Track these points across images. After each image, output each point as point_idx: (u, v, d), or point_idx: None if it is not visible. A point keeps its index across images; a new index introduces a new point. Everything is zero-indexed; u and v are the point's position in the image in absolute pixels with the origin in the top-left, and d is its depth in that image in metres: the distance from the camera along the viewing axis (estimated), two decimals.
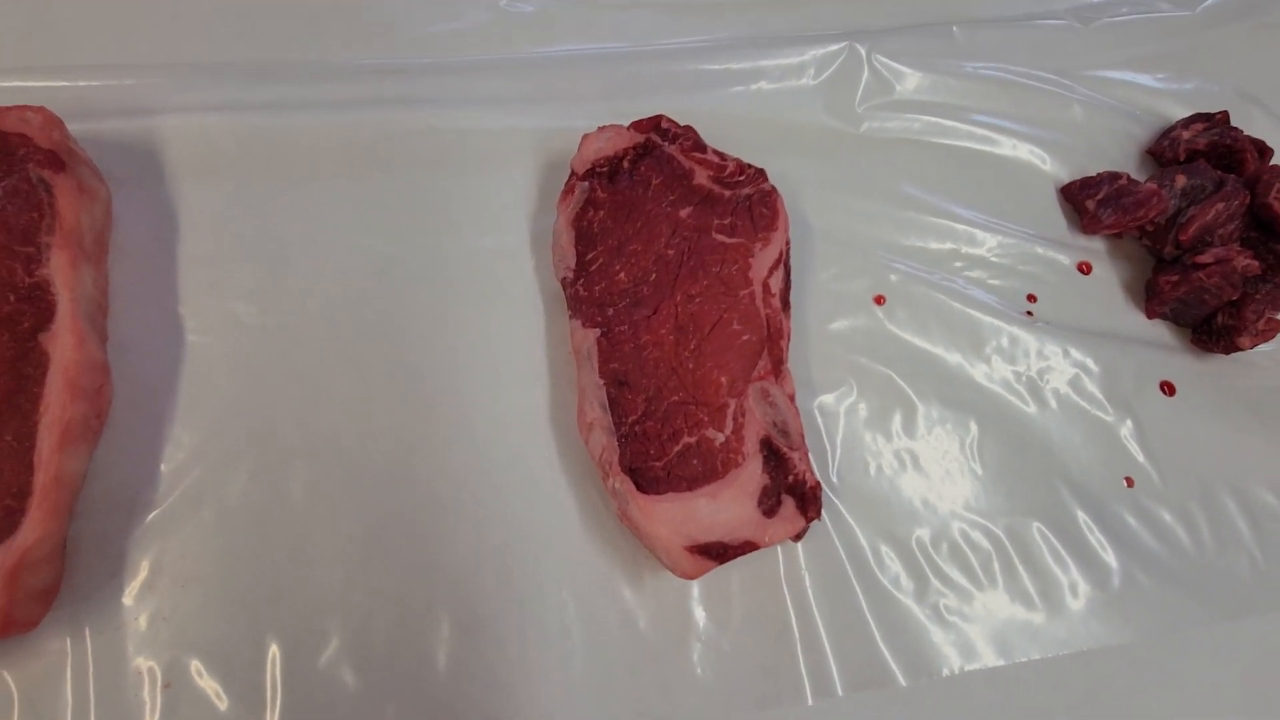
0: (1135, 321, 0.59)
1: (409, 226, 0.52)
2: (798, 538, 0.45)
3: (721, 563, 0.43)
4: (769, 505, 0.43)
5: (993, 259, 0.58)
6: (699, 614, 0.46)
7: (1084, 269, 0.59)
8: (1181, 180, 0.58)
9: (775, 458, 0.44)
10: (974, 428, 0.53)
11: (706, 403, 0.45)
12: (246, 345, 0.48)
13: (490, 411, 0.48)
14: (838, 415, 0.52)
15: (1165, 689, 0.49)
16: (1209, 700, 0.49)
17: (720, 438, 0.44)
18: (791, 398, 0.47)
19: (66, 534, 0.42)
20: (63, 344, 0.41)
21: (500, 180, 0.55)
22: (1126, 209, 0.58)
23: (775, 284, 0.48)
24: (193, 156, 0.52)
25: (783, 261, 0.50)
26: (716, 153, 0.51)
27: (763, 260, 0.48)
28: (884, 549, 0.49)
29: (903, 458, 0.51)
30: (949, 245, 0.58)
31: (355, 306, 0.50)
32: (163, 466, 0.45)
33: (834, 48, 0.61)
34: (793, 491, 0.44)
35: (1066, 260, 0.59)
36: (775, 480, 0.44)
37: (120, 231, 0.49)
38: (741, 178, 0.51)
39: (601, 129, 0.51)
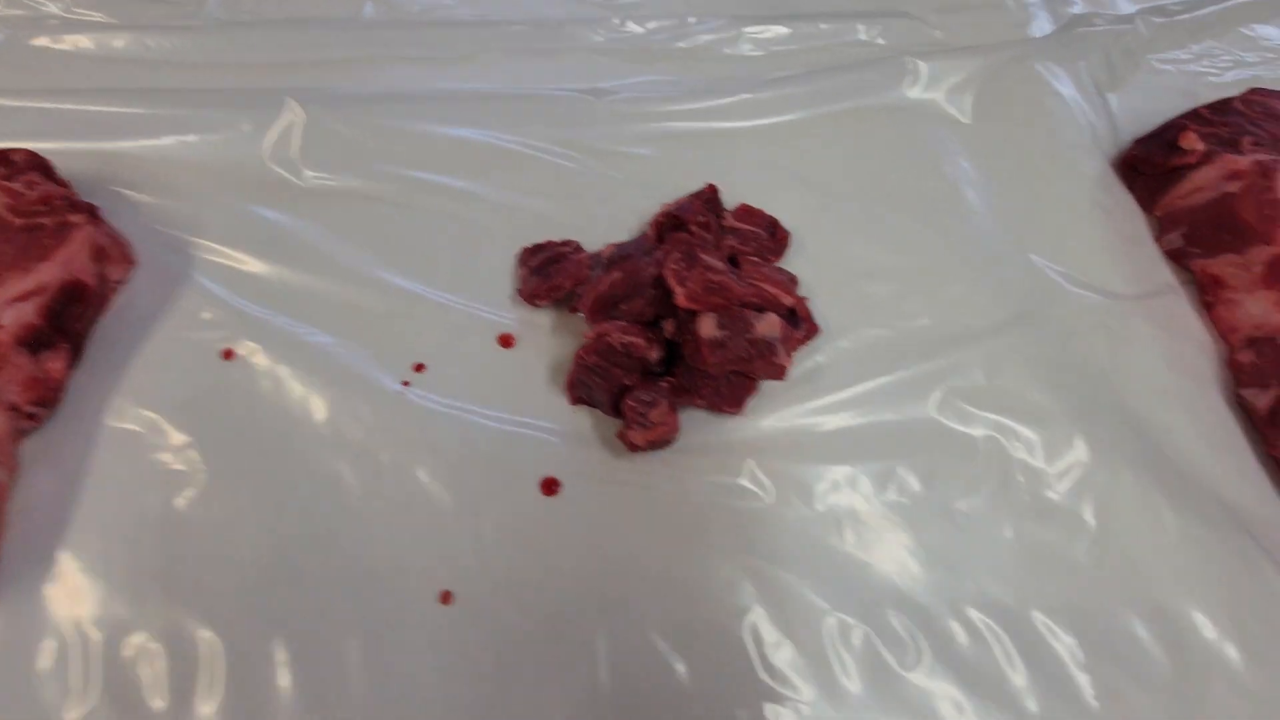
0: (555, 406, 0.50)
1: None
2: None
3: None
4: None
5: (391, 325, 0.51)
6: None
7: (505, 342, 0.52)
8: (610, 249, 0.51)
9: None
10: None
11: None
12: None
13: None
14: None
15: None
16: None
17: None
18: None
19: None
20: None
21: None
22: (548, 276, 0.51)
23: (9, 317, 0.43)
24: None
25: (42, 296, 0.44)
26: (41, 183, 0.48)
27: (10, 290, 0.44)
28: None
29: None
30: (350, 301, 0.52)
31: None
32: None
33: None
34: None
35: (488, 332, 0.52)
36: None
37: None
38: (44, 208, 0.47)
39: None
